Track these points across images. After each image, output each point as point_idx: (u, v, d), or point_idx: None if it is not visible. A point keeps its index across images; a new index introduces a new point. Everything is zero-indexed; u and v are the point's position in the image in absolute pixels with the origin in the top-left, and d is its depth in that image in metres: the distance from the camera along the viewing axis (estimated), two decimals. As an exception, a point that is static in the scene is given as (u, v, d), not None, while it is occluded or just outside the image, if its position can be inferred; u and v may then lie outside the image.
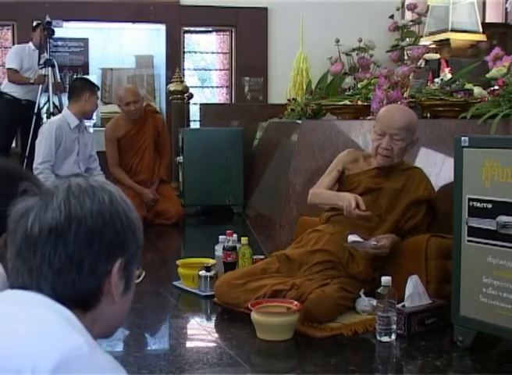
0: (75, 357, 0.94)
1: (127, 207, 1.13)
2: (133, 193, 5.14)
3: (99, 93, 7.02)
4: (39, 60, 6.21)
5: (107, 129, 5.50)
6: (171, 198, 5.48)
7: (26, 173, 1.70)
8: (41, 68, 6.16)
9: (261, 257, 3.41)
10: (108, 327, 1.16)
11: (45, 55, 6.09)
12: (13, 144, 6.55)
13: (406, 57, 5.53)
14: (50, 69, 6.14)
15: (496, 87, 3.22)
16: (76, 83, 5.12)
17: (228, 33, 7.44)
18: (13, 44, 6.79)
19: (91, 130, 5.51)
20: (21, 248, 1.08)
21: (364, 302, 2.79)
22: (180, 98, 6.29)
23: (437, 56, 4.44)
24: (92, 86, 4.81)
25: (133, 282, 1.17)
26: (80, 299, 1.08)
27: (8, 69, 6.25)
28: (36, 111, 6.14)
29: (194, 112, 7.12)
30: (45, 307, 1.03)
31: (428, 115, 3.76)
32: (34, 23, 6.32)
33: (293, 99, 5.93)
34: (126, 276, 1.13)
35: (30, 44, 6.39)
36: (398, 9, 6.90)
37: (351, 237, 2.84)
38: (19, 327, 0.98)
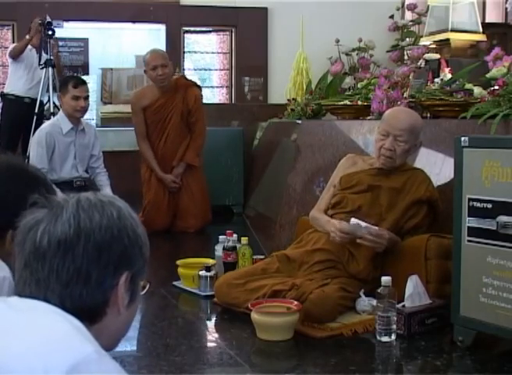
0: (85, 364, 0.95)
1: (135, 223, 1.16)
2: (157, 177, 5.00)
3: (99, 93, 7.10)
4: (39, 60, 6.21)
5: (131, 98, 5.20)
6: (195, 197, 5.05)
7: (32, 168, 1.71)
8: (42, 68, 6.17)
9: (261, 257, 3.41)
10: (113, 339, 1.18)
11: (45, 56, 6.09)
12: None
13: (406, 57, 5.53)
14: (50, 69, 6.15)
15: (496, 87, 3.22)
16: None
17: (228, 33, 7.44)
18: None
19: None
20: (29, 259, 1.09)
21: (364, 302, 2.79)
22: (180, 98, 6.28)
23: (437, 56, 4.45)
24: (64, 86, 4.52)
25: (138, 294, 1.19)
26: (86, 312, 1.09)
27: (8, 53, 6.26)
28: (37, 110, 6.14)
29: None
30: (56, 316, 1.04)
31: (428, 115, 3.76)
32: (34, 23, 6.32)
33: (293, 99, 5.94)
34: (131, 288, 1.15)
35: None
36: (398, 9, 6.89)
37: (354, 220, 2.83)
38: (32, 334, 0.99)
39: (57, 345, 0.96)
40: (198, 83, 5.57)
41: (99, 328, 1.10)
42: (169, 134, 5.02)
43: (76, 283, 1.08)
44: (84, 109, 4.48)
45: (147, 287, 1.25)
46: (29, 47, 6.36)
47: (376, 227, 2.86)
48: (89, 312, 1.09)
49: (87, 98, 4.48)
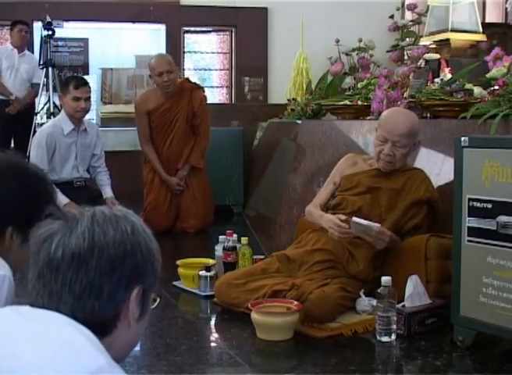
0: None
1: (148, 238, 1.17)
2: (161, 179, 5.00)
3: (99, 93, 7.10)
4: (40, 60, 6.22)
5: (136, 101, 5.15)
6: (197, 199, 5.05)
7: (32, 167, 1.70)
8: (42, 68, 6.17)
9: (261, 257, 3.41)
10: (123, 351, 1.18)
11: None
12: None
13: (406, 57, 5.53)
14: (50, 69, 6.15)
15: (496, 87, 3.22)
16: None
17: (228, 33, 7.44)
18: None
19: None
20: (43, 271, 1.10)
21: (364, 302, 2.79)
22: (180, 98, 6.27)
23: (437, 56, 4.44)
24: (65, 86, 4.48)
25: (148, 308, 1.20)
26: (98, 325, 1.10)
27: None
28: (38, 110, 6.15)
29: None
30: (69, 326, 1.05)
31: (428, 115, 3.76)
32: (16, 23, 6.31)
33: (293, 99, 5.94)
34: (142, 302, 1.16)
35: (8, 44, 6.38)
36: (398, 9, 6.90)
37: (355, 218, 2.84)
38: (44, 343, 1.00)
39: (69, 355, 0.97)
40: (201, 84, 5.54)
41: (109, 341, 1.11)
42: (175, 137, 5.01)
43: (89, 296, 1.09)
44: (85, 110, 4.45)
45: (158, 301, 1.26)
46: (9, 47, 6.34)
47: (378, 224, 2.85)
48: (100, 325, 1.10)
49: (88, 99, 4.43)
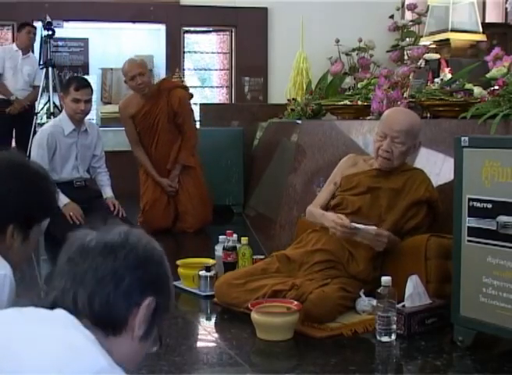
0: None
1: (169, 268, 1.26)
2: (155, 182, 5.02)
3: (99, 93, 7.10)
4: (40, 60, 6.22)
5: (119, 107, 5.16)
6: (193, 198, 5.07)
7: (33, 165, 1.70)
8: (42, 68, 6.17)
9: (261, 257, 3.41)
10: (121, 361, 1.18)
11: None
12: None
13: (406, 57, 5.53)
14: (50, 69, 6.15)
15: (496, 87, 3.22)
16: None
17: (228, 33, 7.45)
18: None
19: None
20: (73, 255, 1.16)
21: (364, 302, 2.79)
22: (180, 98, 6.26)
23: (437, 56, 4.44)
24: (66, 87, 4.46)
25: (152, 334, 1.21)
26: (106, 319, 1.12)
27: None
28: (38, 110, 6.14)
29: (194, 112, 7.11)
30: (71, 329, 1.06)
31: (428, 115, 3.75)
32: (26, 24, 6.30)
33: (293, 99, 5.94)
34: (150, 321, 1.18)
35: (14, 45, 6.38)
36: (398, 9, 6.91)
37: (352, 224, 2.85)
38: (47, 344, 1.01)
39: (72, 356, 0.99)
40: (195, 83, 5.56)
41: (111, 344, 1.12)
42: (160, 138, 5.02)
43: (109, 282, 1.13)
44: (84, 113, 4.43)
45: (159, 346, 1.27)
46: (14, 48, 6.34)
47: (374, 227, 2.86)
48: (108, 321, 1.12)
49: (88, 101, 4.41)
